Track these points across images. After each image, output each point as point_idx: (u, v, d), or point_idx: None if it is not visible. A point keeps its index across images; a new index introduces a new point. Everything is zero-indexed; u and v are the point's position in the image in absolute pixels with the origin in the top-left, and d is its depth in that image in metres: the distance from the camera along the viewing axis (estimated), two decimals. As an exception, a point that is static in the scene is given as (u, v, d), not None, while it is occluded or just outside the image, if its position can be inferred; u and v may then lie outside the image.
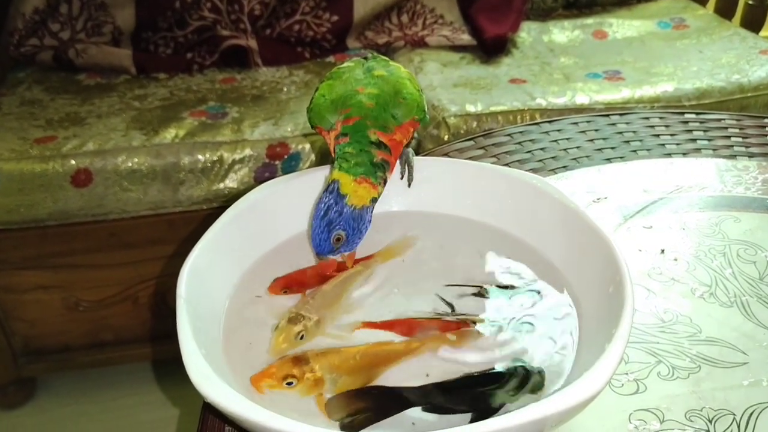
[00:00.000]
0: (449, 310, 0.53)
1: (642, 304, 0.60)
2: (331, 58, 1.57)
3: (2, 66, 1.59)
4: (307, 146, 1.27)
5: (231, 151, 1.24)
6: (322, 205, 0.52)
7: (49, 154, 1.21)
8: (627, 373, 0.53)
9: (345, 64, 0.62)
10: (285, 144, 1.26)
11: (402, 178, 0.63)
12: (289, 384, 0.46)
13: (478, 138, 0.89)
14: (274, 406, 0.45)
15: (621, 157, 0.83)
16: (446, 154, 0.85)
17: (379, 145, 0.55)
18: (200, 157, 1.23)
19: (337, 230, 0.52)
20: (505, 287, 0.55)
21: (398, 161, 0.63)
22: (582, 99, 1.29)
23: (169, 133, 1.26)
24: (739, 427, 0.49)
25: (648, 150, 0.85)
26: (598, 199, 0.75)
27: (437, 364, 0.49)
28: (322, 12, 1.58)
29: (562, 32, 1.62)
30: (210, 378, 0.41)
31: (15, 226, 1.24)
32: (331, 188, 0.53)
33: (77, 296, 1.28)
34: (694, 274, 0.64)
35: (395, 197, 0.62)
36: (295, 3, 1.57)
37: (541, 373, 0.48)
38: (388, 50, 1.61)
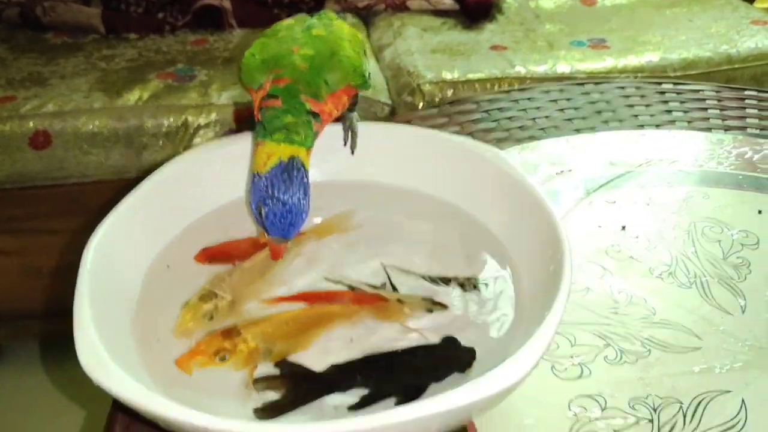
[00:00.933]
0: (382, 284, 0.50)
1: (595, 283, 0.57)
2: (308, 21, 1.52)
3: (-32, 23, 1.53)
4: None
5: (196, 115, 1.20)
6: (296, 187, 0.46)
7: (6, 114, 1.16)
8: (572, 357, 0.50)
9: (285, 22, 0.57)
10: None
11: (345, 144, 0.59)
12: (222, 359, 0.43)
13: (444, 106, 0.85)
14: (195, 386, 0.42)
15: (591, 128, 0.79)
16: (408, 122, 0.81)
17: (313, 115, 0.50)
18: (164, 120, 1.19)
19: (308, 211, 0.47)
20: (444, 280, 0.51)
21: (342, 127, 0.59)
22: (563, 68, 1.25)
23: (133, 96, 1.21)
24: (684, 416, 0.46)
25: (620, 121, 0.81)
26: (561, 171, 0.71)
27: (368, 332, 0.46)
28: (300, -28, 1.52)
29: (549, -2, 1.57)
30: (103, 362, 0.37)
31: (-28, 188, 1.20)
32: (297, 165, 0.47)
33: (37, 262, 1.24)
34: (654, 253, 0.60)
35: (332, 165, 0.58)
36: (270, -37, 1.51)
37: (471, 351, 0.44)
38: (368, 14, 1.56)
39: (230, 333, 0.44)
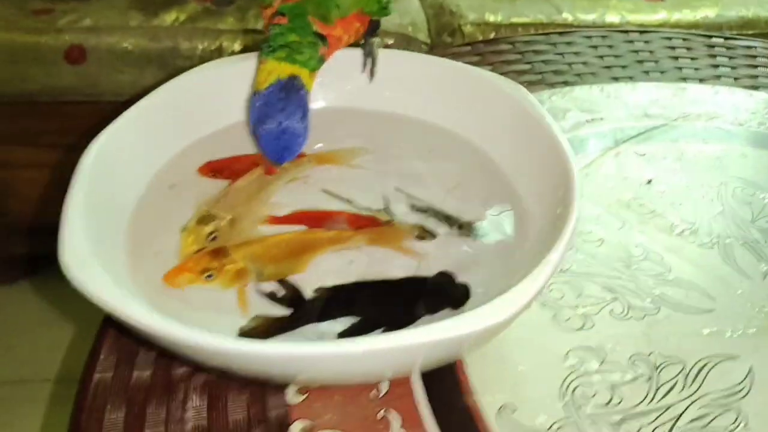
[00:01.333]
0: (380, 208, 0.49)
1: (612, 235, 0.54)
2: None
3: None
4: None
5: (231, 40, 1.18)
6: (293, 107, 0.45)
7: (42, 26, 1.16)
8: (576, 307, 0.48)
9: None
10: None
11: (363, 71, 0.56)
12: (209, 277, 0.43)
13: (478, 44, 0.82)
14: (187, 303, 0.42)
15: (630, 77, 0.75)
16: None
17: (320, 38, 0.48)
18: (199, 44, 1.17)
19: (307, 136, 0.46)
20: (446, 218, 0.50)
21: (362, 52, 0.56)
22: (613, 18, 1.19)
23: (170, 17, 1.20)
24: (686, 378, 0.44)
25: (662, 72, 0.76)
26: (592, 119, 0.67)
27: (363, 257, 0.45)
28: None
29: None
30: (85, 263, 0.37)
31: (7, 99, 1.21)
32: (297, 85, 0.45)
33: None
34: (679, 210, 0.57)
35: (346, 91, 0.56)
36: None
37: (464, 288, 0.43)
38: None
39: (218, 252, 0.44)
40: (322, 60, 0.48)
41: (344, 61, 0.55)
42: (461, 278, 0.44)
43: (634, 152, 0.64)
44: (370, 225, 0.47)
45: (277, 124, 0.43)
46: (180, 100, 0.52)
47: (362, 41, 0.57)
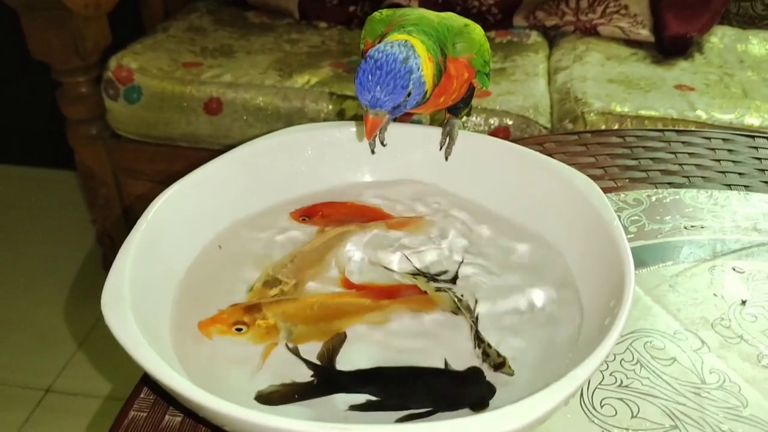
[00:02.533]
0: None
1: (686, 355, 0.49)
2: (492, 33, 1.49)
3: (189, -6, 1.70)
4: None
5: (355, 106, 1.23)
6: (396, 52, 0.45)
7: (190, 78, 1.27)
8: (628, 429, 0.44)
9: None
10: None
11: (441, 149, 0.56)
12: (239, 330, 0.44)
13: (585, 134, 0.79)
14: (215, 353, 0.43)
15: (746, 186, 0.69)
16: (541, 144, 0.76)
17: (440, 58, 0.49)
18: (324, 106, 1.23)
19: (412, 80, 0.46)
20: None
21: (442, 131, 0.57)
22: (753, 120, 1.11)
23: (302, 79, 1.27)
24: None
25: (785, 185, 0.70)
26: (692, 226, 0.63)
27: (393, 337, 0.44)
28: (492, -17, 1.50)
29: (762, 44, 1.40)
30: (123, 312, 0.38)
31: (151, 140, 1.32)
32: (405, 44, 0.46)
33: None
34: (772, 339, 0.51)
35: (423, 166, 0.56)
36: (467, -30, 1.51)
37: (491, 388, 0.41)
38: (555, 34, 1.50)
39: (252, 308, 0.45)
40: (440, 74, 0.49)
41: (422, 137, 0.55)
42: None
43: (732, 268, 0.58)
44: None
45: (374, 62, 0.45)
46: (244, 168, 0.54)
47: (445, 120, 0.57)
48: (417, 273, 0.50)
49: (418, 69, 0.46)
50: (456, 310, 0.46)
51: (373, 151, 0.57)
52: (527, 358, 0.43)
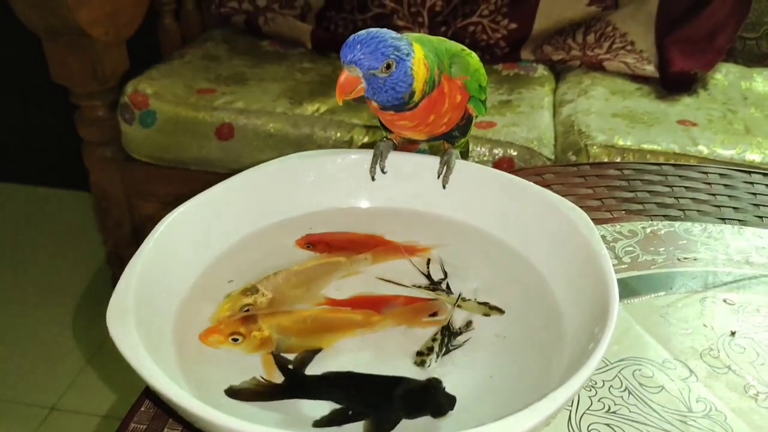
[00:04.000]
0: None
1: (674, 384, 0.50)
2: (499, 66, 1.52)
3: (204, 22, 1.75)
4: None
5: (362, 134, 1.25)
6: (393, 34, 0.49)
7: (203, 104, 1.30)
8: (612, 454, 0.45)
9: None
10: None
11: (438, 177, 0.58)
12: (235, 341, 0.46)
13: (584, 166, 0.81)
14: (218, 367, 0.45)
15: (740, 221, 0.71)
16: (540, 175, 0.78)
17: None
18: (332, 134, 1.26)
19: (395, 55, 0.48)
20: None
21: (439, 160, 0.59)
22: (754, 156, 1.12)
23: (312, 107, 1.30)
24: None
25: (778, 220, 0.71)
26: (684, 258, 0.64)
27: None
28: (501, 17, 1.53)
29: (766, 81, 1.42)
30: (126, 324, 0.40)
31: (165, 164, 1.35)
32: (404, 37, 0.50)
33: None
34: (759, 370, 0.52)
35: (421, 193, 0.58)
36: (475, 4, 1.54)
37: (451, 399, 0.43)
38: (562, 68, 1.53)
39: (249, 319, 0.47)
40: (432, 84, 0.51)
41: (421, 166, 0.57)
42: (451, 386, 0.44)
43: (723, 299, 0.59)
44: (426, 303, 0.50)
45: (366, 33, 0.48)
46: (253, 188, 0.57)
47: (442, 150, 0.59)
48: (434, 286, 0.52)
49: (408, 56, 0.49)
50: (487, 312, 0.49)
51: (373, 178, 0.59)
52: (509, 379, 0.45)
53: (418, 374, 0.45)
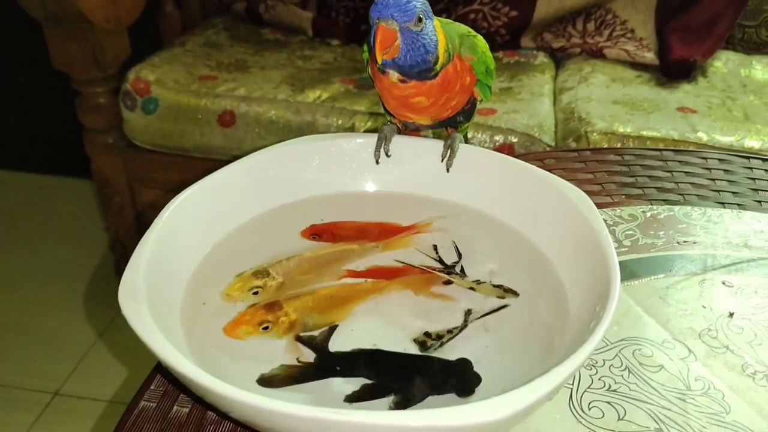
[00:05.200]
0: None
1: (674, 364, 0.52)
2: (500, 54, 1.52)
3: (205, 10, 1.75)
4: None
5: (364, 120, 1.26)
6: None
7: (205, 91, 1.31)
8: (614, 430, 0.46)
9: None
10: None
11: (442, 161, 0.59)
12: (265, 328, 0.47)
13: (585, 152, 0.82)
14: (224, 346, 0.46)
15: (739, 205, 0.72)
16: (541, 160, 0.79)
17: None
18: (334, 121, 1.26)
19: (424, 9, 0.50)
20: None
21: (443, 144, 0.59)
22: (753, 143, 1.13)
23: (314, 94, 1.30)
24: None
25: (777, 204, 0.72)
26: (684, 241, 0.65)
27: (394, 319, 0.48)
28: (501, 5, 1.54)
29: (765, 69, 1.43)
30: (139, 303, 0.41)
31: (167, 150, 1.36)
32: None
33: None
34: (757, 350, 0.53)
35: (425, 177, 0.59)
36: (476, -8, 1.54)
37: (477, 378, 0.44)
38: (562, 56, 1.53)
39: (273, 306, 0.48)
40: (449, 55, 0.53)
41: (425, 150, 0.58)
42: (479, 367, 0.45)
43: (721, 281, 0.60)
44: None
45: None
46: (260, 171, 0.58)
47: (446, 134, 0.60)
48: (447, 269, 0.53)
49: (432, 16, 0.51)
50: (501, 295, 0.50)
51: (377, 162, 0.60)
52: (514, 357, 0.46)
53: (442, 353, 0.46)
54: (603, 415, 0.47)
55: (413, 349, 0.45)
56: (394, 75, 0.53)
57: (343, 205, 0.59)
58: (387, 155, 0.59)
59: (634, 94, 1.31)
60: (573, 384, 0.49)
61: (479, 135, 1.20)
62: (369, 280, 0.51)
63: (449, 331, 0.47)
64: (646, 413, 0.47)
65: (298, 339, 0.46)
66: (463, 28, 0.56)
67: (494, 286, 0.51)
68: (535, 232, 0.54)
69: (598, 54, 1.49)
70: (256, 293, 0.49)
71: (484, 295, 0.50)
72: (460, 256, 0.54)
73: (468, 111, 0.58)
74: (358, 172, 0.60)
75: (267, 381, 0.43)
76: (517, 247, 0.54)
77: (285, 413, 0.34)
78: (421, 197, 0.59)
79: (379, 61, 0.51)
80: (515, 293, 0.50)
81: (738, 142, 1.14)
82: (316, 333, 0.46)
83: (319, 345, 0.45)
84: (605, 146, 1.15)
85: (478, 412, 0.34)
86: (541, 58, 1.51)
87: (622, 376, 0.50)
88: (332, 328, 0.47)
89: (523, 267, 0.52)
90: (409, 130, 0.61)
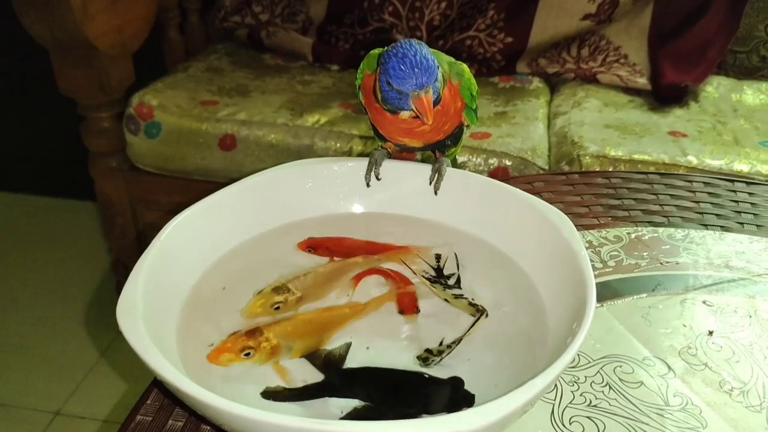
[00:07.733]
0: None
1: (652, 380, 0.53)
2: (495, 79, 1.56)
3: (208, 36, 1.79)
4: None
5: (361, 144, 1.29)
6: (409, 41, 0.52)
7: (206, 115, 1.34)
8: (592, 445, 0.48)
9: None
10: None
11: (430, 184, 0.61)
12: (247, 355, 0.48)
13: (573, 175, 0.84)
14: (232, 380, 0.47)
15: (722, 227, 0.74)
16: (530, 183, 0.81)
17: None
18: (332, 144, 1.29)
19: (434, 82, 0.52)
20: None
21: (432, 167, 0.62)
22: (741, 166, 1.16)
23: (313, 118, 1.33)
24: None
25: (758, 226, 0.74)
26: (667, 262, 0.67)
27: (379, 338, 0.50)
28: (497, 32, 1.57)
29: (756, 94, 1.46)
30: (135, 320, 0.43)
31: (168, 173, 1.39)
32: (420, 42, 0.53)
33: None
34: (734, 367, 0.55)
35: (413, 199, 0.61)
36: (472, 18, 1.58)
37: (470, 398, 0.45)
38: (557, 81, 1.56)
39: (254, 332, 0.49)
40: (444, 80, 0.55)
41: (413, 173, 0.61)
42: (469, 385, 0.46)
43: (702, 301, 0.62)
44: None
45: (402, 56, 0.51)
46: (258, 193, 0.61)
47: (434, 158, 0.62)
48: (434, 280, 0.55)
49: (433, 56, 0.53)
50: (474, 314, 0.52)
51: (368, 184, 0.62)
52: (498, 372, 0.48)
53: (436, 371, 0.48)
54: (583, 430, 0.49)
55: (413, 365, 0.48)
56: (406, 113, 0.56)
57: (334, 226, 0.61)
58: (377, 178, 0.62)
59: (626, 119, 1.34)
60: (555, 399, 0.51)
61: (474, 158, 1.22)
62: (352, 300, 0.53)
63: (448, 346, 0.49)
64: (625, 428, 0.49)
65: (311, 357, 0.48)
66: (449, 57, 0.59)
67: (470, 304, 0.53)
68: (518, 252, 0.56)
69: (591, 79, 1.52)
70: (277, 308, 0.51)
71: (457, 310, 0.53)
72: (458, 267, 0.56)
73: (456, 135, 0.61)
74: (350, 195, 0.62)
75: (270, 394, 0.45)
76: (500, 266, 0.56)
77: (275, 424, 0.36)
78: (409, 219, 0.61)
79: (429, 122, 0.53)
80: (485, 313, 0.52)
81: (727, 166, 1.16)
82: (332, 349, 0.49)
83: (334, 362, 0.47)
84: (597, 169, 1.18)
85: (453, 424, 0.36)
86: (536, 83, 1.54)
87: (602, 392, 0.52)
88: (347, 345, 0.49)
89: (506, 285, 0.54)
90: (400, 151, 0.64)
